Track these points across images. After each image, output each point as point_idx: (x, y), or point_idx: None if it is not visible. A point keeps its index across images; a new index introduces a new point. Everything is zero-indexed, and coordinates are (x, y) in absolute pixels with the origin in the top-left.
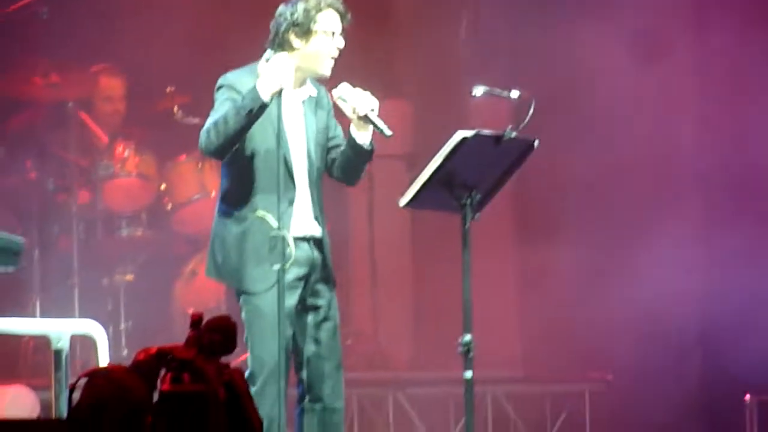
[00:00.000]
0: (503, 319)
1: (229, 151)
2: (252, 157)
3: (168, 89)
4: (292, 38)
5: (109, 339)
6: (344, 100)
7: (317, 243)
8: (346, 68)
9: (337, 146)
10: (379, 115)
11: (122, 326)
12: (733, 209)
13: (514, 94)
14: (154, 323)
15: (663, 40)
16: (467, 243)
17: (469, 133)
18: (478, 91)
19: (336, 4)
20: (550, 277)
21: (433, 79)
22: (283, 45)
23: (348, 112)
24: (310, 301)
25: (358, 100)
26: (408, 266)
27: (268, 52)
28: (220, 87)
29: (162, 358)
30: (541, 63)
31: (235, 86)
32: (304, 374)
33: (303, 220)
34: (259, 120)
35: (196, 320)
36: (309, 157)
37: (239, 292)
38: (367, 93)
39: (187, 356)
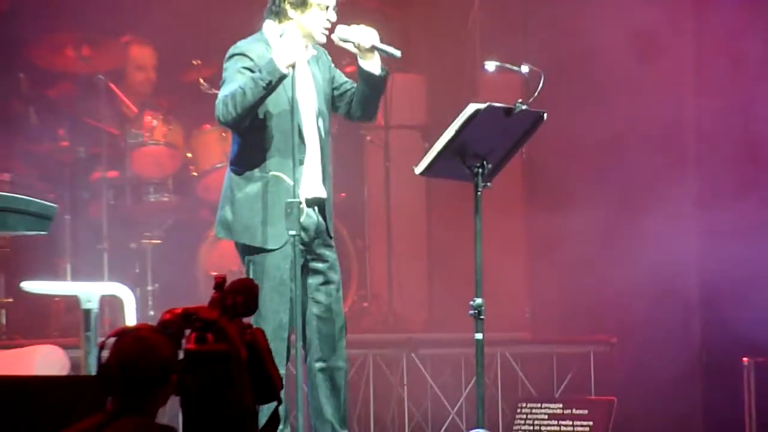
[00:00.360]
0: (513, 283)
1: (246, 120)
2: (265, 120)
3: (194, 62)
4: (288, 9)
5: (136, 300)
6: (346, 41)
7: (321, 207)
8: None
9: (348, 89)
10: (390, 97)
11: (149, 288)
12: (736, 179)
13: (524, 68)
14: (179, 285)
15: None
16: (479, 210)
17: (481, 105)
18: (490, 65)
19: None
20: (558, 243)
21: (446, 53)
22: (279, 14)
23: (353, 50)
24: (313, 264)
25: (359, 36)
26: (422, 232)
27: (268, 22)
28: (231, 56)
29: (187, 318)
30: (551, 37)
31: (248, 53)
32: (307, 334)
33: (312, 182)
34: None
35: (219, 282)
36: (319, 116)
37: (246, 250)
38: (363, 26)
39: (210, 317)
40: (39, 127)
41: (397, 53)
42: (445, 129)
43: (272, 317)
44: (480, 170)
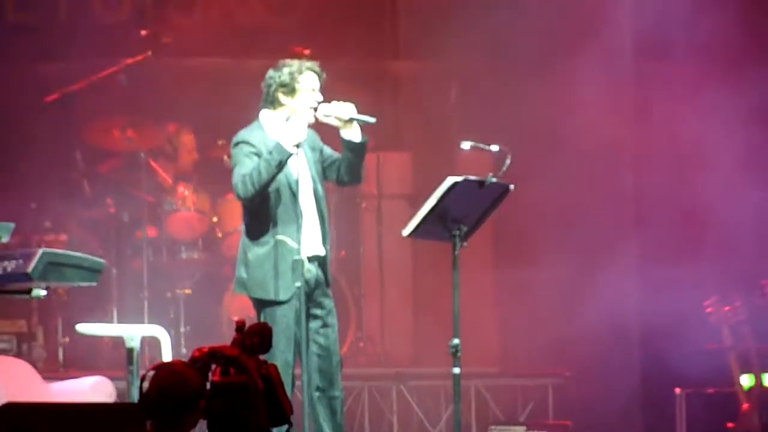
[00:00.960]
0: (485, 325)
1: (260, 195)
2: (268, 194)
3: (219, 142)
4: (280, 96)
5: (171, 340)
6: (328, 116)
7: (321, 262)
8: (364, 128)
9: (335, 159)
10: (381, 170)
11: (182, 330)
12: (670, 240)
13: (495, 147)
14: (206, 328)
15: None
16: (456, 265)
17: (458, 178)
18: (466, 145)
19: (314, 67)
20: (522, 292)
21: (429, 134)
22: (273, 102)
23: (335, 123)
24: (313, 311)
25: (338, 111)
26: (409, 284)
27: (264, 111)
28: (236, 144)
29: (213, 355)
30: (518, 118)
31: (249, 141)
32: (309, 369)
33: (312, 241)
34: None
35: (239, 326)
36: (314, 187)
37: (259, 302)
38: (340, 102)
39: (232, 354)
40: (91, 196)
41: (372, 120)
42: (428, 198)
43: (280, 356)
44: (457, 232)
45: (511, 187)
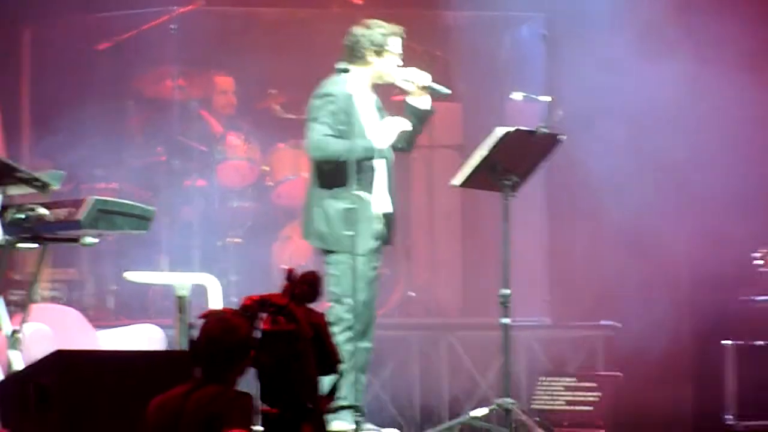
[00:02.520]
0: (535, 276)
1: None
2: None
3: (271, 91)
4: (368, 54)
5: (221, 289)
6: (407, 80)
7: (388, 219)
8: None
9: None
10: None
11: (232, 279)
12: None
13: (545, 98)
14: (256, 277)
15: None
16: (507, 216)
17: (509, 128)
18: (517, 95)
19: (400, 32)
20: (573, 242)
21: (480, 85)
22: (361, 59)
23: (410, 88)
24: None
25: (418, 77)
26: (459, 234)
27: (346, 65)
28: (321, 95)
29: (263, 303)
30: (571, 70)
31: (334, 94)
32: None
33: (382, 198)
34: (352, 119)
35: (289, 274)
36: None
37: (332, 253)
38: (418, 69)
39: (282, 302)
40: (142, 144)
41: (447, 91)
42: (479, 148)
43: (358, 298)
44: (508, 182)
45: (562, 137)
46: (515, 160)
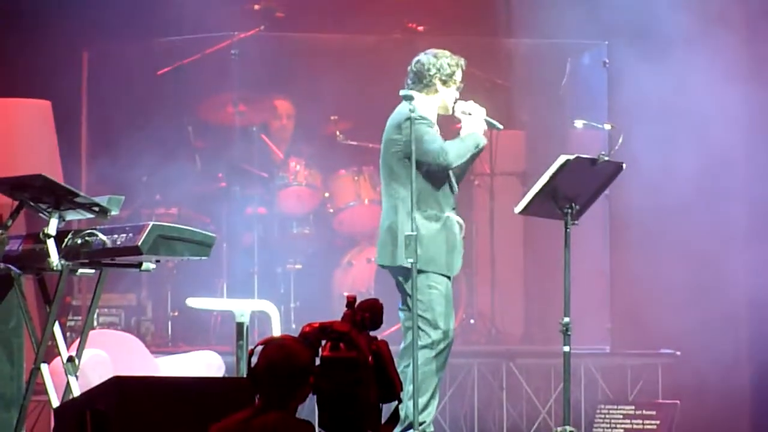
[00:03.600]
0: (595, 304)
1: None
2: (440, 176)
3: (332, 117)
4: (437, 83)
5: (281, 315)
6: (465, 112)
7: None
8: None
9: None
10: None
11: (292, 305)
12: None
13: (607, 126)
14: (317, 303)
15: None
16: (568, 243)
17: (570, 156)
18: (579, 123)
19: (463, 64)
20: (633, 271)
21: (542, 113)
22: (428, 87)
23: (466, 120)
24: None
25: (475, 110)
26: (520, 262)
27: (408, 90)
28: (415, 119)
29: (323, 330)
30: (632, 96)
31: (425, 116)
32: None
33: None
34: None
35: (350, 301)
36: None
37: (425, 275)
38: (473, 102)
39: (343, 329)
40: (202, 170)
41: (500, 126)
42: (541, 176)
43: (450, 332)
44: (569, 210)
45: (624, 165)
46: (576, 188)
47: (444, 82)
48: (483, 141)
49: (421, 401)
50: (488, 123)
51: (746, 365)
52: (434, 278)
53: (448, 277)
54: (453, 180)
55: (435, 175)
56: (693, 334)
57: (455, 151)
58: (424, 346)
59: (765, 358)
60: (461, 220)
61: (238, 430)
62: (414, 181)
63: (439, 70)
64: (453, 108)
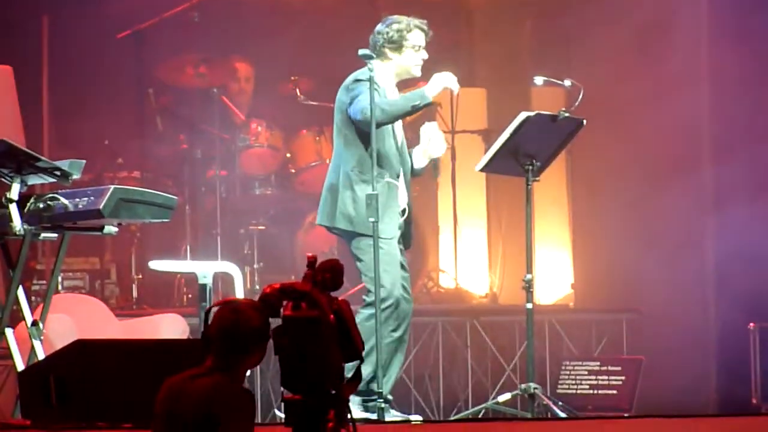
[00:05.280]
0: (558, 261)
1: (383, 125)
2: (379, 135)
3: (292, 78)
4: (387, 51)
5: (244, 277)
6: (428, 139)
7: (404, 213)
8: (438, 64)
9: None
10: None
11: (255, 266)
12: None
13: (567, 82)
14: (280, 264)
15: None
16: (529, 200)
17: (530, 113)
18: (538, 80)
19: (421, 25)
20: (596, 227)
21: (503, 70)
22: (380, 55)
23: (423, 145)
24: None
25: (436, 145)
26: (483, 218)
27: (375, 62)
28: (356, 80)
29: (284, 291)
30: (592, 52)
31: (369, 79)
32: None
33: (403, 193)
34: None
35: (311, 261)
36: (404, 145)
37: (361, 238)
38: (442, 138)
39: (304, 289)
40: (164, 133)
41: (438, 175)
42: (501, 133)
43: (395, 290)
44: (530, 167)
45: (584, 121)
46: (537, 145)
47: (395, 49)
48: (426, 100)
49: (366, 371)
50: (434, 165)
51: (712, 319)
52: (371, 240)
53: (391, 239)
54: (399, 146)
55: (378, 138)
56: (658, 292)
57: (383, 108)
58: (367, 304)
59: (731, 311)
60: (396, 184)
61: (182, 386)
62: (374, 141)
63: (386, 37)
64: (416, 72)
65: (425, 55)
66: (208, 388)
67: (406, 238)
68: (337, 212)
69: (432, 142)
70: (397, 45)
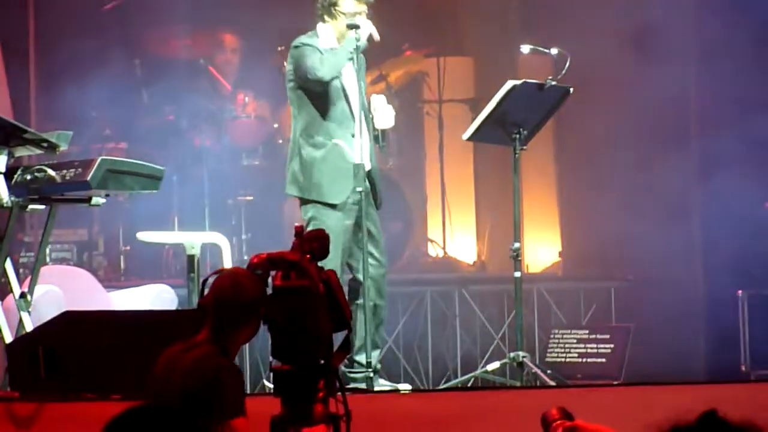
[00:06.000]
0: (546, 229)
1: (327, 84)
2: (327, 98)
3: (279, 48)
4: (325, 15)
5: (232, 247)
6: (374, 109)
7: (369, 175)
8: (424, 32)
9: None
10: (443, 76)
11: (243, 237)
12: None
13: (554, 51)
14: (268, 235)
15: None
16: (517, 169)
17: (517, 81)
18: (525, 48)
19: None
20: (585, 196)
21: (490, 38)
22: (321, 20)
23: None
24: (363, 221)
25: (382, 117)
26: (471, 187)
27: (319, 24)
28: (299, 45)
29: (272, 261)
30: (578, 24)
31: (311, 44)
32: (359, 278)
33: (363, 152)
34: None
35: (299, 231)
36: (362, 103)
37: (310, 204)
38: (391, 112)
39: (294, 258)
40: (150, 104)
41: (382, 146)
42: (489, 102)
43: (329, 266)
44: (517, 136)
45: (571, 90)
46: (524, 113)
47: (329, 15)
48: (354, 45)
49: None
50: (380, 136)
51: (701, 286)
52: (319, 210)
53: (334, 206)
54: (351, 106)
55: (326, 101)
56: (646, 260)
57: (328, 64)
58: None
59: (719, 278)
60: (345, 145)
61: (173, 360)
62: (332, 107)
63: (320, 3)
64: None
65: (363, 20)
66: (199, 361)
67: (375, 198)
68: (287, 178)
69: (377, 113)
70: (329, 11)
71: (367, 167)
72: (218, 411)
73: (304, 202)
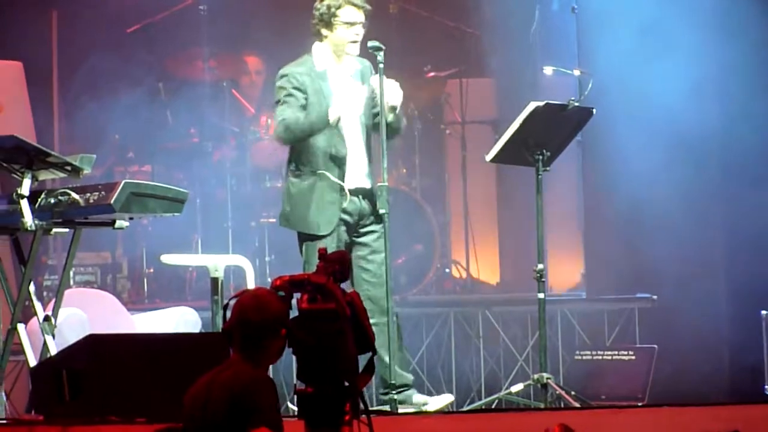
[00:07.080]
0: (570, 250)
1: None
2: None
3: None
4: (321, 29)
5: (255, 269)
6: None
7: (367, 194)
8: (446, 54)
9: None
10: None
11: (266, 259)
12: (755, 161)
13: (576, 72)
14: (291, 257)
15: None
16: (540, 190)
17: (540, 103)
18: (548, 69)
19: (355, 0)
20: (608, 216)
21: (512, 60)
22: (316, 34)
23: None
24: (361, 240)
25: (390, 93)
26: (493, 209)
27: (314, 43)
28: (281, 76)
29: (297, 283)
30: (597, 44)
31: (293, 75)
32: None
33: (356, 174)
34: (316, 97)
35: (322, 254)
36: (361, 122)
37: (302, 237)
38: (397, 87)
39: (320, 281)
40: (174, 127)
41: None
42: (511, 123)
43: None
44: (540, 157)
45: (594, 111)
46: (547, 135)
47: (326, 25)
48: (326, 125)
49: None
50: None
51: (724, 306)
52: (309, 242)
53: (323, 236)
54: (340, 133)
55: (317, 135)
56: (670, 279)
57: (288, 125)
58: None
59: (743, 298)
60: (329, 175)
61: (204, 390)
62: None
63: (317, 14)
64: (349, 48)
65: (360, 31)
66: (233, 381)
67: (375, 215)
68: (280, 211)
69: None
70: (327, 21)
71: (364, 185)
72: (256, 418)
73: (298, 235)
